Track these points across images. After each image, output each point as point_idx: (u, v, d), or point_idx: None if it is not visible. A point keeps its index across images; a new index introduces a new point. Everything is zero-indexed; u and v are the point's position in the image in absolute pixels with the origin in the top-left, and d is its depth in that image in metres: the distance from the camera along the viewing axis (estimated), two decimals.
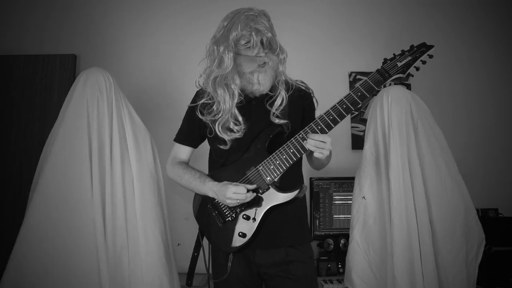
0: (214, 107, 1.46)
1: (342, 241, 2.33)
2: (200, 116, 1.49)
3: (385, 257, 1.57)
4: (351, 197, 2.43)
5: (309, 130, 1.35)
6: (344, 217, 2.43)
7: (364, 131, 2.71)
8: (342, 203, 2.45)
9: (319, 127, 1.35)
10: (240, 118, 1.43)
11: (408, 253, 1.51)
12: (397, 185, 1.55)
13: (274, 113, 1.45)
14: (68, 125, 1.56)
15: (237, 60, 1.41)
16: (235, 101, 1.43)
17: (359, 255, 1.62)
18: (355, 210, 1.67)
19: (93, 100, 1.59)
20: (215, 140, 1.48)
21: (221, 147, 1.46)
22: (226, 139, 1.44)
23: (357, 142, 2.70)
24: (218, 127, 1.43)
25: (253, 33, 1.36)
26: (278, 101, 1.46)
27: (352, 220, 1.67)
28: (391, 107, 1.63)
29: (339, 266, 2.30)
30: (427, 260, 1.51)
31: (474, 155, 2.69)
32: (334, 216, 2.44)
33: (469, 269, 1.58)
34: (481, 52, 2.83)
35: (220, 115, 1.43)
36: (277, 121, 1.44)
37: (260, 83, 1.42)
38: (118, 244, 1.52)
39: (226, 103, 1.42)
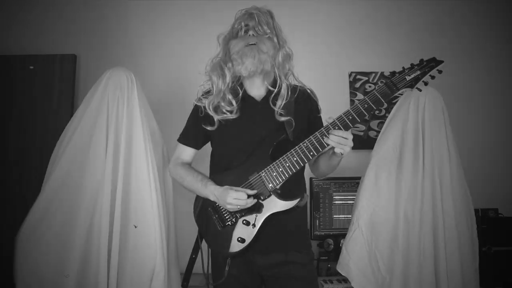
0: (212, 89, 1.51)
1: (342, 241, 2.32)
2: (199, 103, 1.52)
3: (392, 252, 1.57)
4: (351, 197, 2.47)
5: (313, 140, 1.35)
6: (344, 217, 2.43)
7: (364, 131, 2.72)
8: (342, 203, 2.45)
9: (324, 138, 1.35)
10: (231, 99, 1.46)
11: (435, 252, 1.55)
12: (429, 186, 1.59)
13: (277, 111, 1.45)
14: (89, 122, 1.61)
15: (229, 44, 1.47)
16: (227, 81, 1.46)
17: (361, 244, 1.63)
18: (365, 199, 1.67)
19: (113, 98, 1.63)
20: (205, 121, 1.50)
21: (207, 128, 1.48)
22: (214, 119, 1.46)
23: (358, 142, 2.68)
24: (208, 106, 1.47)
25: (246, 16, 1.44)
26: (280, 98, 1.46)
27: (360, 208, 1.67)
28: (427, 106, 1.68)
29: None
30: (452, 262, 1.55)
31: (474, 155, 2.69)
32: (334, 216, 2.44)
33: (476, 273, 1.62)
34: (481, 51, 2.83)
35: (213, 96, 1.48)
36: (282, 119, 1.44)
37: (243, 62, 1.42)
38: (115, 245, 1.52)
39: (219, 85, 1.47)
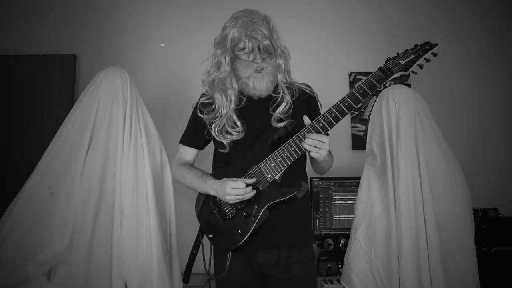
0: (215, 106, 1.47)
1: (342, 241, 2.33)
2: (199, 115, 1.51)
3: (390, 261, 1.55)
4: (351, 197, 2.48)
5: (310, 128, 1.36)
6: (344, 217, 2.43)
7: (364, 131, 2.71)
8: (342, 203, 2.45)
9: (321, 125, 1.36)
10: (238, 122, 1.45)
11: (416, 255, 1.50)
12: (405, 188, 1.53)
13: (276, 117, 1.45)
14: (75, 123, 1.55)
15: (234, 64, 1.43)
16: (232, 105, 1.44)
17: (361, 256, 1.60)
18: (360, 212, 1.63)
19: (107, 100, 1.54)
20: (215, 143, 1.51)
21: (220, 150, 1.48)
22: (224, 143, 1.45)
23: (357, 142, 2.70)
24: (214, 131, 1.46)
25: (247, 40, 1.36)
26: (282, 107, 1.45)
27: (357, 221, 1.63)
28: (400, 108, 1.58)
29: (339, 266, 2.30)
30: (435, 262, 1.50)
31: (474, 155, 2.69)
32: (334, 216, 2.44)
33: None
34: (481, 51, 2.83)
35: (218, 119, 1.46)
36: (279, 125, 1.44)
37: (256, 89, 1.43)
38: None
39: (224, 108, 1.45)
